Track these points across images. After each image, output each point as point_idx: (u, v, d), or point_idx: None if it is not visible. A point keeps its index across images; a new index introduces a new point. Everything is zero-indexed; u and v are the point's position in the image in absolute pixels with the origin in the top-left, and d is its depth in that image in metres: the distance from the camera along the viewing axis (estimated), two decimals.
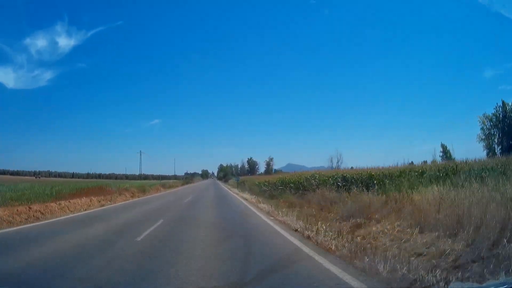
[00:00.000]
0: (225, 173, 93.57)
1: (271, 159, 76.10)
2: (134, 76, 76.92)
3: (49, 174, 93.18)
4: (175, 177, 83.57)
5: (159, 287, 3.71)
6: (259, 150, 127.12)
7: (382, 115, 62.72)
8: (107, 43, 63.69)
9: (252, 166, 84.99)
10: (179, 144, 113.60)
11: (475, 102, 44.44)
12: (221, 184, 63.12)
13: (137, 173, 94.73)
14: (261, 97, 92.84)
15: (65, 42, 70.31)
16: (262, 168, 79.43)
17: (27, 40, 60.99)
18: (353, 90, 76.10)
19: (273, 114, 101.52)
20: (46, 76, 78.09)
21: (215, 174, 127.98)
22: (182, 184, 56.73)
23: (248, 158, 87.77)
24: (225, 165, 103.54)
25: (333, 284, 3.69)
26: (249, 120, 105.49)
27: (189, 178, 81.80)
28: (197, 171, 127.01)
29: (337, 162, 30.26)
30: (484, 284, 3.18)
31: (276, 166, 76.97)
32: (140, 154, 74.04)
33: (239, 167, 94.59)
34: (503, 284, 2.89)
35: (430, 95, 57.85)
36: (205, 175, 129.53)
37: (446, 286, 3.40)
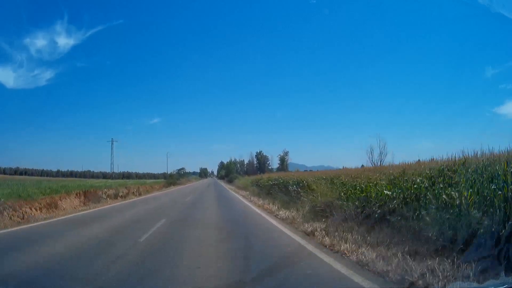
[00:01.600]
0: (228, 171, 76.43)
1: (286, 153, 60.88)
2: (133, 75, 77.49)
3: (15, 171, 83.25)
4: (164, 175, 69.01)
5: None
6: (259, 149, 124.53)
7: (382, 114, 62.58)
8: (106, 43, 64.54)
9: (262, 162, 69.25)
10: (178, 143, 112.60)
11: (475, 100, 44.38)
12: (226, 188, 37.50)
13: (130, 171, 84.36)
14: (260, 97, 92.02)
15: (64, 41, 71.38)
16: (274, 164, 65.73)
17: (27, 40, 62.53)
18: (352, 90, 75.33)
19: (273, 113, 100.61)
20: (46, 75, 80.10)
21: (215, 173, 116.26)
22: (165, 187, 37.25)
23: (257, 152, 70.87)
24: (227, 161, 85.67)
25: None
26: (249, 120, 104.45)
27: (175, 177, 53.65)
28: (195, 170, 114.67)
29: (380, 155, 18.64)
30: (484, 284, 3.28)
31: (275, 165, 64.96)
32: (112, 143, 56.03)
33: (245, 163, 78.21)
34: (503, 284, 2.99)
35: (430, 93, 57.83)
36: (203, 173, 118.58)
37: (446, 286, 3.52)
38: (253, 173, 56.17)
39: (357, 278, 4.03)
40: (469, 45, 42.83)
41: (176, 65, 75.01)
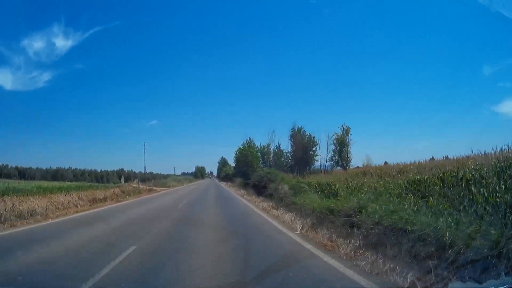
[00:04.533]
0: (242, 164, 38.22)
1: (347, 131, 30.91)
2: (131, 76, 79.74)
3: None
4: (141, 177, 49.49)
5: None
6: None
7: (382, 113, 60.02)
8: (104, 44, 67.68)
9: (304, 148, 33.40)
10: (178, 144, 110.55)
11: (474, 99, 44.21)
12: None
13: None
14: (260, 97, 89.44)
15: (62, 43, 75.59)
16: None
17: (24, 42, 66.97)
18: (352, 89, 72.70)
19: (273, 113, 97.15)
20: (44, 77, 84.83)
21: (215, 172, 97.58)
22: None
23: (294, 130, 34.68)
24: (242, 145, 41.31)
25: None
26: (249, 120, 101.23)
27: None
28: (191, 171, 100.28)
29: None
30: (484, 284, 3.40)
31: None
32: None
33: (271, 149, 38.65)
34: (503, 284, 3.10)
35: (430, 92, 56.50)
36: (200, 173, 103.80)
37: (446, 286, 3.73)
38: (290, 169, 33.03)
39: None
40: (468, 44, 42.54)
41: (176, 66, 76.03)
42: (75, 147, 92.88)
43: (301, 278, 4.75)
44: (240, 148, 39.94)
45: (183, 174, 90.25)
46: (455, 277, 3.86)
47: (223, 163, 72.05)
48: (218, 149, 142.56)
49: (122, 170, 57.13)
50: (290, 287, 4.50)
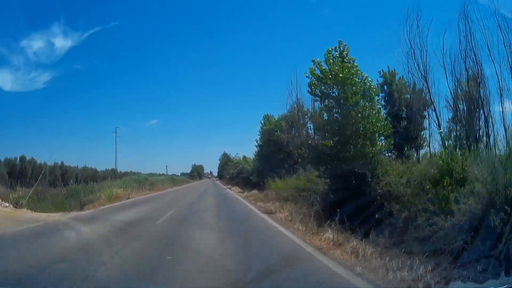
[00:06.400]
0: (337, 129, 9.01)
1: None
2: (131, 76, 79.96)
3: None
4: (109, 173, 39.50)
5: None
6: None
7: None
8: (104, 44, 67.90)
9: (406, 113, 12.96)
10: (176, 143, 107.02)
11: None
12: None
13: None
14: (259, 96, 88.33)
15: (61, 44, 76.24)
16: None
17: (24, 42, 67.88)
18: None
19: (273, 113, 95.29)
20: (43, 78, 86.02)
21: (215, 173, 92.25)
22: None
23: (387, 74, 13.83)
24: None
25: None
26: (249, 119, 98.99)
27: None
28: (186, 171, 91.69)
29: None
30: (484, 284, 3.50)
31: None
32: None
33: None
34: (503, 284, 3.25)
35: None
36: (197, 173, 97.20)
37: (446, 286, 3.81)
38: None
39: None
40: (468, 44, 41.75)
41: (175, 64, 75.92)
42: (75, 148, 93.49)
43: None
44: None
45: (182, 174, 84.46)
46: (455, 277, 3.93)
47: (225, 160, 61.01)
48: (218, 149, 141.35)
49: (34, 160, 38.73)
50: None
